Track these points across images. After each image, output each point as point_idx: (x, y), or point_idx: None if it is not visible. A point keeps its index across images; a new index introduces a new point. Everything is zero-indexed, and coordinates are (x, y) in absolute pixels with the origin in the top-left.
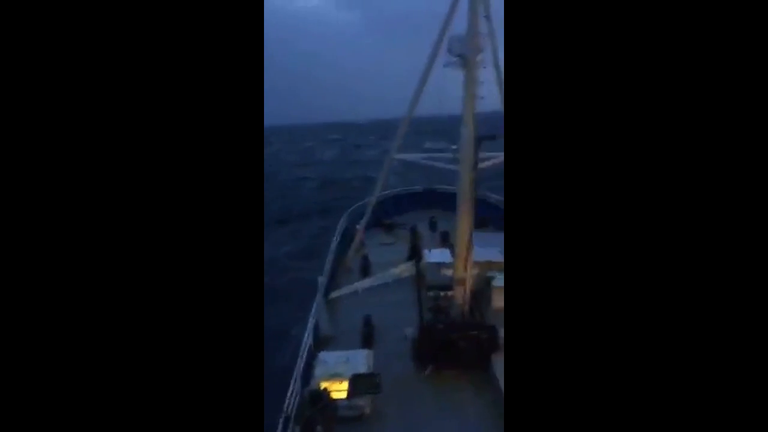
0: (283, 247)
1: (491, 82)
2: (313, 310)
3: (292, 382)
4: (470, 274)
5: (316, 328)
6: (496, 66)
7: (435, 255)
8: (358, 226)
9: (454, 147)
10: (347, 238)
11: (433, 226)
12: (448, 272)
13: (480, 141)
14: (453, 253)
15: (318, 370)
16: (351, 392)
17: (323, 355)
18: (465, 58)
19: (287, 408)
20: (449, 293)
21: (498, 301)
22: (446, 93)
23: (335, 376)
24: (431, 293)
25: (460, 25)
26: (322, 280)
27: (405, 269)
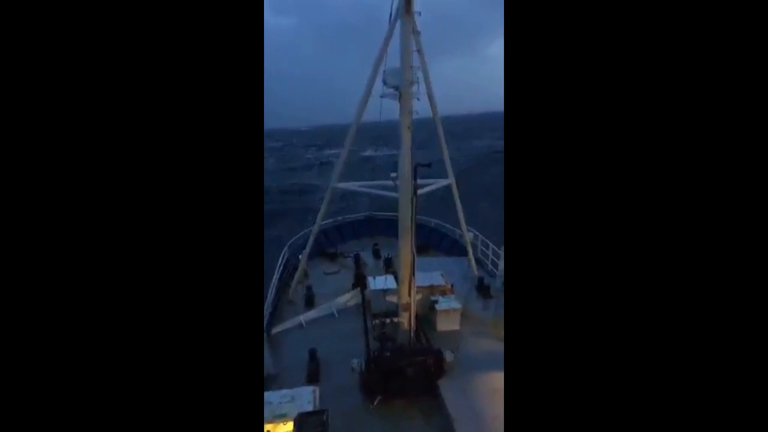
0: None
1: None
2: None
3: None
4: (414, 299)
5: None
6: (430, 96)
7: (379, 282)
8: (300, 257)
9: (393, 175)
10: (289, 269)
11: (376, 253)
12: (393, 299)
13: (416, 168)
14: (397, 280)
15: None
16: None
17: (266, 396)
18: (399, 89)
19: None
20: (395, 319)
21: (442, 324)
22: (386, 102)
23: (280, 417)
24: (377, 321)
25: (394, 57)
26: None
27: (350, 298)
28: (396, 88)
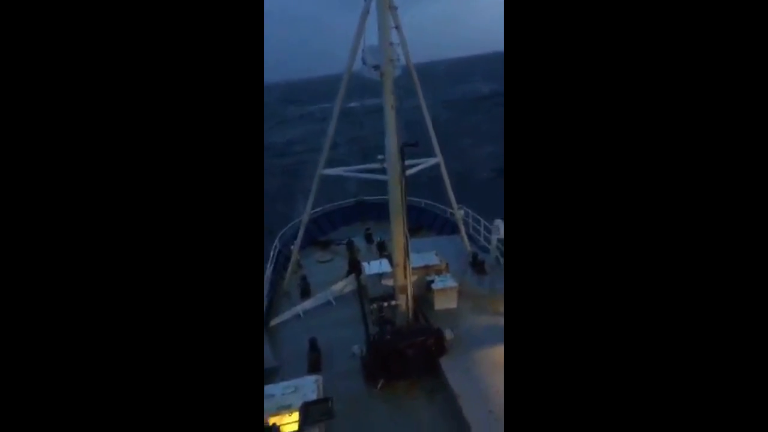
0: None
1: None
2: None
3: None
4: (410, 281)
5: None
6: (411, 74)
7: (374, 266)
8: (292, 247)
9: (380, 157)
10: (282, 261)
11: (368, 237)
12: (389, 282)
13: (403, 149)
14: (391, 263)
15: (265, 405)
16: (303, 423)
17: (269, 389)
18: (380, 68)
19: None
20: (393, 303)
21: (440, 303)
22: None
23: (284, 409)
24: (375, 305)
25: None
26: None
27: (346, 285)
28: (376, 67)
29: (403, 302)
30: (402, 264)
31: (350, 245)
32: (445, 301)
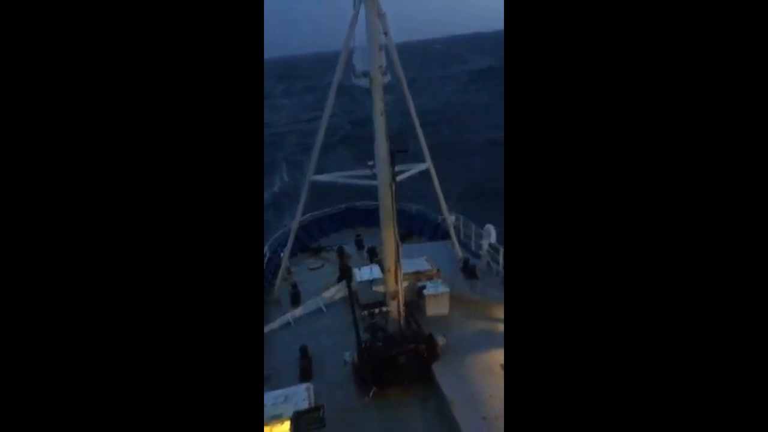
0: None
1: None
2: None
3: None
4: (402, 287)
5: None
6: (400, 80)
7: (365, 273)
8: (282, 254)
9: (370, 163)
10: (272, 268)
11: (359, 243)
12: (380, 288)
13: (393, 155)
14: (382, 269)
15: None
16: None
17: None
18: (369, 75)
19: None
20: (384, 309)
21: (431, 309)
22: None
23: (275, 418)
24: (366, 312)
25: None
26: None
27: (336, 291)
28: (365, 74)
29: (395, 308)
30: (393, 270)
31: (341, 252)
32: (436, 307)
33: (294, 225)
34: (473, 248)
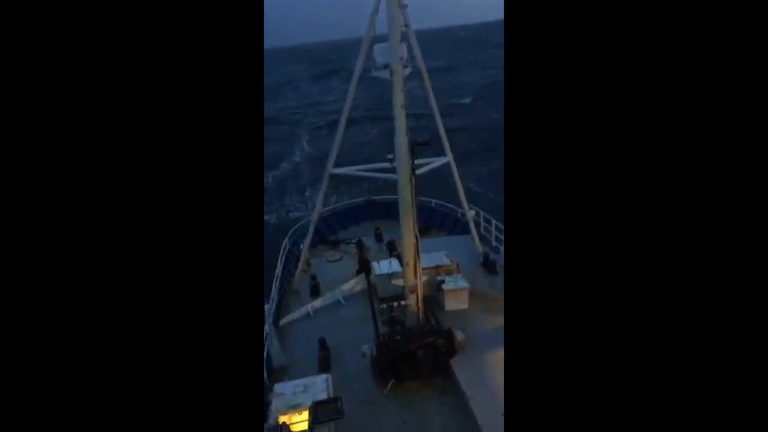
0: None
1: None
2: (264, 341)
3: None
4: (421, 281)
5: (268, 359)
6: (422, 72)
7: (384, 266)
8: (301, 246)
9: (390, 156)
10: (292, 260)
11: (378, 237)
12: (399, 282)
13: (413, 148)
14: (401, 263)
15: (275, 404)
16: (312, 422)
17: (279, 387)
18: (390, 67)
19: None
20: (403, 303)
21: (450, 304)
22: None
23: (294, 408)
24: (384, 305)
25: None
26: (268, 307)
27: (355, 284)
28: (386, 66)
29: (413, 302)
30: (412, 264)
31: (360, 244)
32: (455, 302)
33: (314, 217)
34: (493, 243)
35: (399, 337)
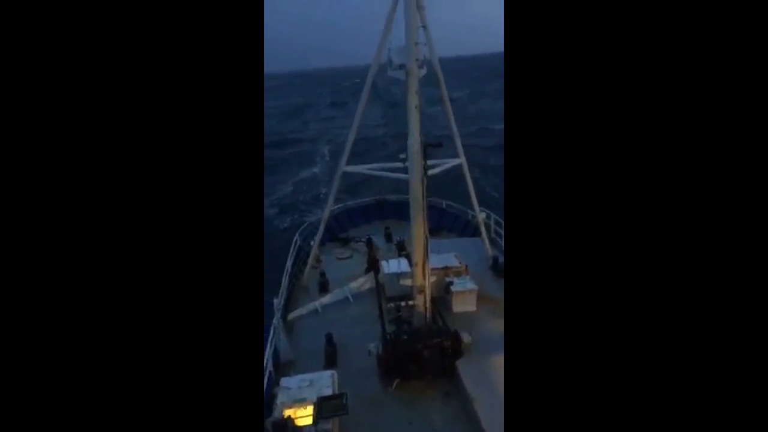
0: None
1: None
2: (271, 335)
3: None
4: (429, 282)
5: (275, 353)
6: (437, 74)
7: (393, 265)
8: (312, 243)
9: (403, 156)
10: (302, 256)
11: (388, 236)
12: (408, 282)
13: (426, 148)
14: (410, 262)
15: (280, 398)
16: (317, 416)
17: (285, 381)
18: (405, 68)
19: None
20: (410, 303)
21: (458, 305)
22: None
23: (299, 402)
24: (392, 304)
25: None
26: (277, 302)
27: (364, 282)
28: (402, 66)
29: (421, 303)
30: (421, 264)
31: (370, 243)
32: (463, 304)
33: (325, 214)
34: (503, 247)
35: (406, 337)
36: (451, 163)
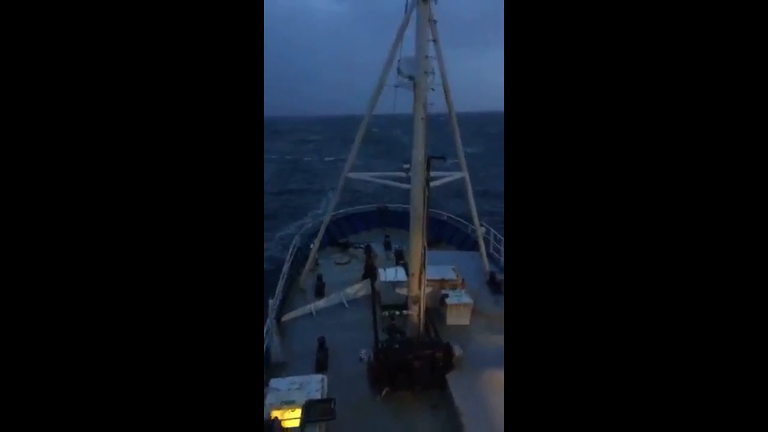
0: None
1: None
2: (264, 335)
3: None
4: (424, 293)
5: (267, 353)
6: (445, 87)
7: (390, 274)
8: (311, 246)
9: (406, 166)
10: (300, 258)
11: (387, 244)
12: (403, 291)
13: (429, 161)
14: (407, 272)
15: (269, 399)
16: (304, 420)
17: (275, 382)
18: (414, 79)
19: None
20: (405, 312)
21: (452, 318)
22: (400, 94)
23: (288, 404)
24: (387, 313)
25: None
26: (272, 302)
27: (360, 288)
28: (410, 77)
29: (415, 313)
30: (417, 274)
31: (368, 250)
32: (457, 317)
33: (326, 218)
34: (501, 263)
35: (398, 346)
36: (454, 176)
